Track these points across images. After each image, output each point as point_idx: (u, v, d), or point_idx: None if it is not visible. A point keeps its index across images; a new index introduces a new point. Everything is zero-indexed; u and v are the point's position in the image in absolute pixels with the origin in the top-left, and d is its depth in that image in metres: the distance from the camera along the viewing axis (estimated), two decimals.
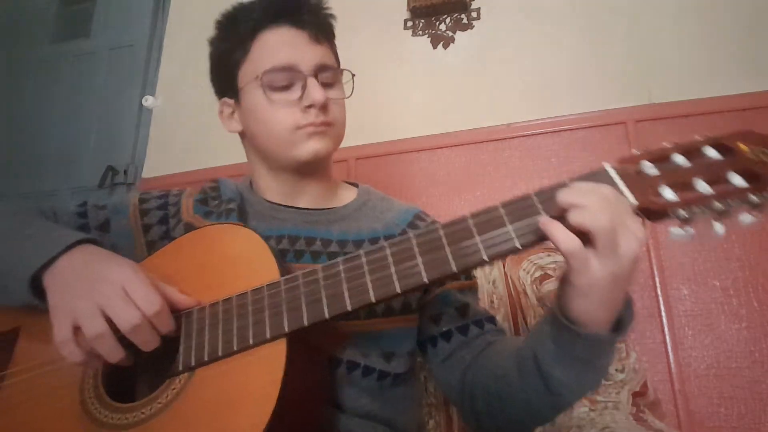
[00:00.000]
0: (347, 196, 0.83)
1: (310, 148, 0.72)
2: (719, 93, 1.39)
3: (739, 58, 1.42)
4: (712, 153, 0.50)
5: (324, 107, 0.72)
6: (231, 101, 0.78)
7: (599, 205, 0.47)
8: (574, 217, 0.48)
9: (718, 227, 0.48)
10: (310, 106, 0.71)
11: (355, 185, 0.87)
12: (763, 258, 1.23)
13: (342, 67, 0.81)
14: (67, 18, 2.42)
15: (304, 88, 0.71)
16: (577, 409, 0.97)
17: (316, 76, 0.72)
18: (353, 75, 0.79)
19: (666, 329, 1.23)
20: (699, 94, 1.41)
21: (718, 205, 0.47)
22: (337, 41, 0.82)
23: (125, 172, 1.99)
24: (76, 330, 0.55)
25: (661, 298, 1.26)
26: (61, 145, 2.15)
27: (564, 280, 0.52)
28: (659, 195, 0.49)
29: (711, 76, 1.43)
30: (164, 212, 0.78)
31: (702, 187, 0.48)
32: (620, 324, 0.54)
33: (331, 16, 0.79)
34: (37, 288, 0.59)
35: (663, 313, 1.25)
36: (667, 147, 0.52)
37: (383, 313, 0.68)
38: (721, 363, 1.19)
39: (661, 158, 0.52)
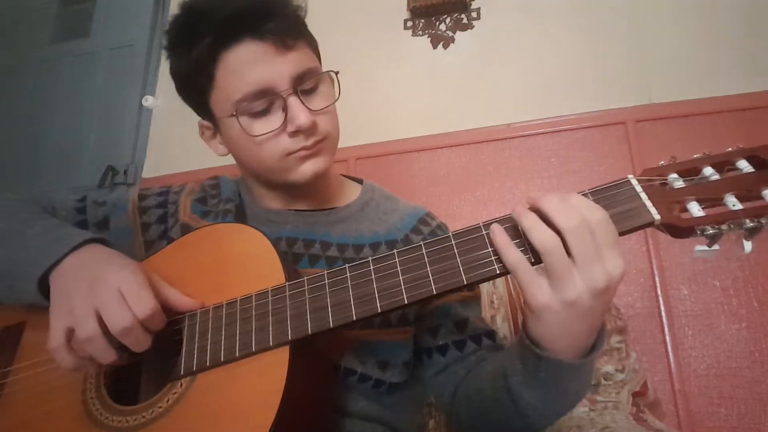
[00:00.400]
0: (350, 194, 0.80)
1: (306, 171, 0.67)
2: (719, 93, 1.40)
3: (739, 58, 1.42)
4: (744, 166, 0.47)
5: (312, 127, 0.65)
6: (209, 124, 0.72)
7: (572, 227, 0.45)
8: (525, 226, 0.47)
9: (747, 246, 0.45)
10: (297, 131, 0.64)
11: (360, 181, 0.83)
12: (763, 258, 1.23)
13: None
14: (67, 18, 2.42)
15: (285, 109, 0.63)
16: (577, 409, 0.97)
17: (295, 90, 0.63)
18: (336, 73, 0.70)
19: (666, 329, 1.24)
20: (699, 94, 1.41)
21: (748, 222, 0.44)
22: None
23: (125, 172, 2.00)
24: (71, 332, 0.54)
25: (661, 298, 1.26)
26: (61, 145, 2.15)
27: None
28: (686, 211, 0.46)
29: (711, 76, 1.43)
30: (163, 210, 0.77)
31: (732, 203, 0.45)
32: (592, 349, 0.51)
33: (297, 8, 0.68)
34: (44, 288, 0.59)
35: (663, 313, 1.25)
36: (696, 158, 0.49)
37: (380, 324, 0.67)
38: (721, 363, 1.19)
39: (689, 170, 0.48)
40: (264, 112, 0.64)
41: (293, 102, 0.63)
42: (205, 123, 0.72)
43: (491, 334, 0.72)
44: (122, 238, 0.75)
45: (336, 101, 0.70)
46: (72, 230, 0.64)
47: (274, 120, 0.64)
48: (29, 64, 2.34)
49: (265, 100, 0.63)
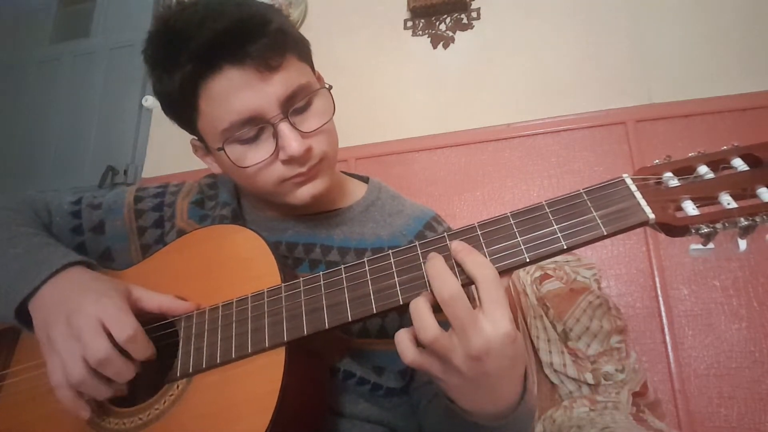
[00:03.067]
0: (354, 193, 0.77)
1: (304, 195, 0.64)
2: (719, 93, 1.40)
3: (739, 58, 1.42)
4: (739, 164, 0.47)
5: (306, 153, 0.61)
6: (201, 144, 0.69)
7: (484, 276, 0.45)
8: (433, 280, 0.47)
9: (742, 244, 0.45)
10: (290, 160, 0.61)
11: (365, 180, 0.80)
12: (763, 258, 1.23)
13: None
14: (67, 18, 2.42)
15: (276, 136, 0.60)
16: (577, 409, 0.97)
17: (285, 114, 0.59)
18: (330, 87, 0.65)
19: (666, 329, 1.23)
20: (699, 94, 1.42)
21: (743, 221, 0.44)
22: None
23: (125, 172, 2.00)
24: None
25: (661, 298, 1.26)
26: (61, 145, 2.15)
27: None
28: (680, 209, 0.46)
29: (711, 76, 1.43)
30: (159, 214, 0.75)
31: (727, 201, 0.45)
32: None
33: (282, 23, 0.61)
34: (24, 314, 0.57)
35: (663, 313, 1.25)
36: (691, 157, 0.49)
37: (377, 334, 0.66)
38: (721, 363, 1.19)
39: (684, 169, 0.48)
40: (254, 138, 0.61)
41: (284, 128, 0.59)
42: (197, 142, 0.70)
43: None
44: (119, 243, 0.74)
45: (332, 117, 0.65)
46: (52, 251, 0.61)
47: (266, 148, 0.61)
48: (29, 64, 2.34)
49: (254, 127, 0.60)
